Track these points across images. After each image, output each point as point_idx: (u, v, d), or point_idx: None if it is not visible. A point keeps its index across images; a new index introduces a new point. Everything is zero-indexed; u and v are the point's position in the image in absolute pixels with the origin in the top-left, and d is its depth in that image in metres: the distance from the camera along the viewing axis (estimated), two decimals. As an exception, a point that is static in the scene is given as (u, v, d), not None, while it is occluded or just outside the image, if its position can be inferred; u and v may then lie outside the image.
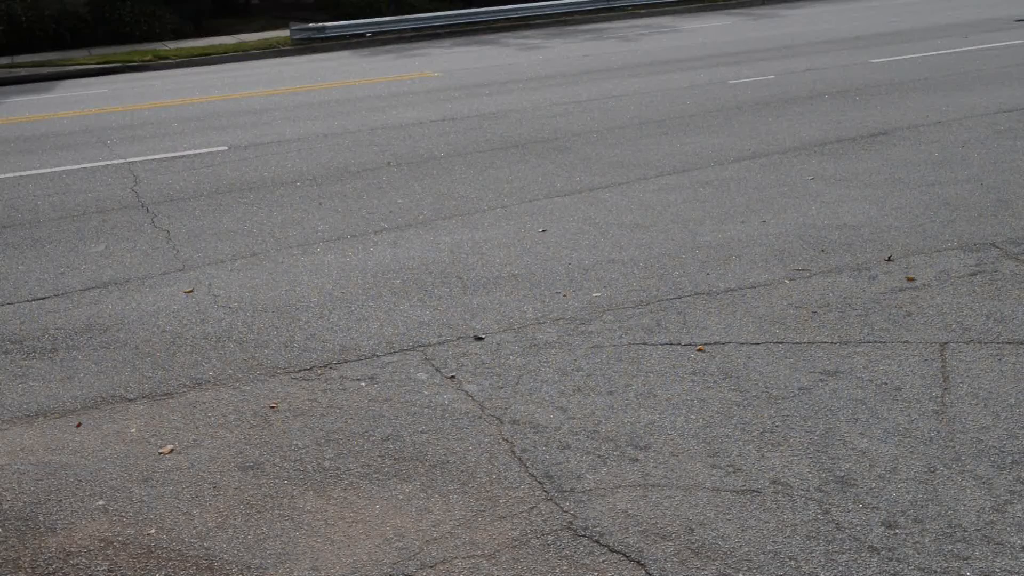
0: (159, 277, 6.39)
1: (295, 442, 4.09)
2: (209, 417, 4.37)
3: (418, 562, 3.23)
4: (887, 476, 3.55)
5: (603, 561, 3.17)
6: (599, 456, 3.81)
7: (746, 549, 3.18)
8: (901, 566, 3.05)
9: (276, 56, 22.94)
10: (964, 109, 10.09)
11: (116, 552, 3.39)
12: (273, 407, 4.42)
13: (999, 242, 5.96)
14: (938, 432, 3.83)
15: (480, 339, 5.03)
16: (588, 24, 25.63)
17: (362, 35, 24.68)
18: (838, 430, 3.89)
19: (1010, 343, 4.55)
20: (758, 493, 3.49)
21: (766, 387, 4.29)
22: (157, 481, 3.84)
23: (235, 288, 6.06)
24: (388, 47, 23.52)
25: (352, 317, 5.45)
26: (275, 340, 5.19)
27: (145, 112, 14.14)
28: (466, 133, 10.76)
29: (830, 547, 3.17)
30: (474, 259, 6.33)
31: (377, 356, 4.90)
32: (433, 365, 4.75)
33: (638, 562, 3.15)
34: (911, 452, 3.70)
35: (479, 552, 3.26)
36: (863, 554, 3.12)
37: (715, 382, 4.37)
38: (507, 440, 3.98)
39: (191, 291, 6.05)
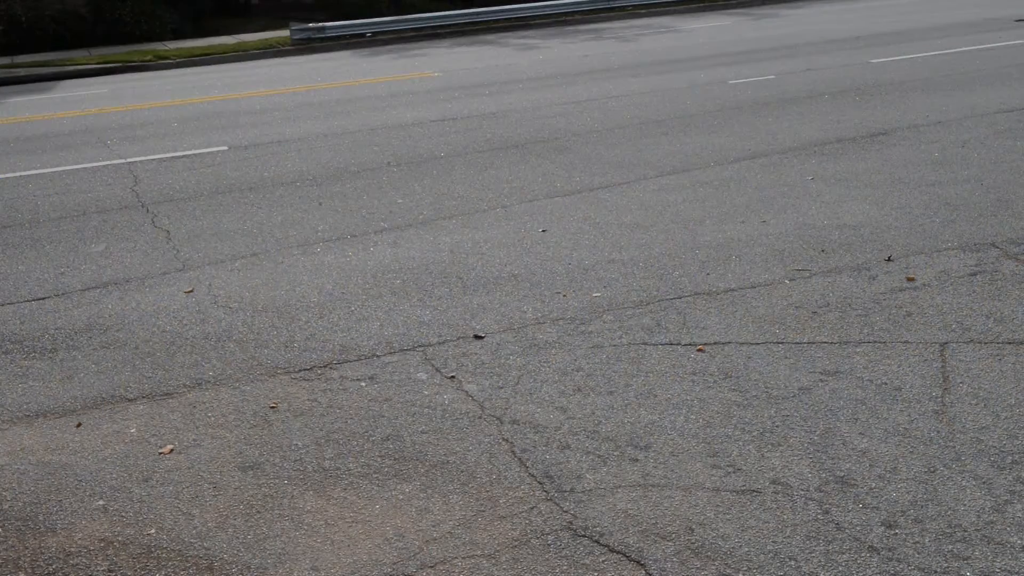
0: (159, 277, 6.39)
1: (295, 442, 4.09)
2: (209, 417, 4.37)
3: (418, 562, 3.23)
4: (887, 476, 3.55)
5: (603, 561, 3.17)
6: (599, 456, 3.81)
7: (746, 549, 3.18)
8: (901, 566, 3.05)
9: (276, 56, 22.94)
10: (964, 109, 10.09)
11: (116, 552, 3.39)
12: (273, 407, 4.42)
13: (999, 242, 5.96)
14: (938, 432, 3.83)
15: (480, 339, 5.03)
16: (588, 24, 25.63)
17: (362, 35, 24.68)
18: (838, 430, 3.89)
19: (1010, 343, 4.55)
20: (758, 493, 3.49)
21: (766, 387, 4.29)
22: (157, 481, 3.84)
23: (235, 288, 6.06)
24: (388, 47, 23.52)
25: (352, 317, 5.45)
26: (275, 340, 5.19)
27: (145, 112, 14.14)
28: (466, 133, 10.76)
29: (830, 547, 3.17)
30: (474, 259, 6.33)
31: (377, 356, 4.90)
32: (433, 365, 4.75)
33: (638, 562, 3.15)
34: (911, 452, 3.70)
35: (479, 552, 3.26)
36: (863, 554, 3.12)
37: (715, 382, 4.37)
38: (507, 440, 3.98)
39: (191, 291, 6.05)
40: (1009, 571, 3.01)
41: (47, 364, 5.07)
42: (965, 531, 3.21)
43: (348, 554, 3.30)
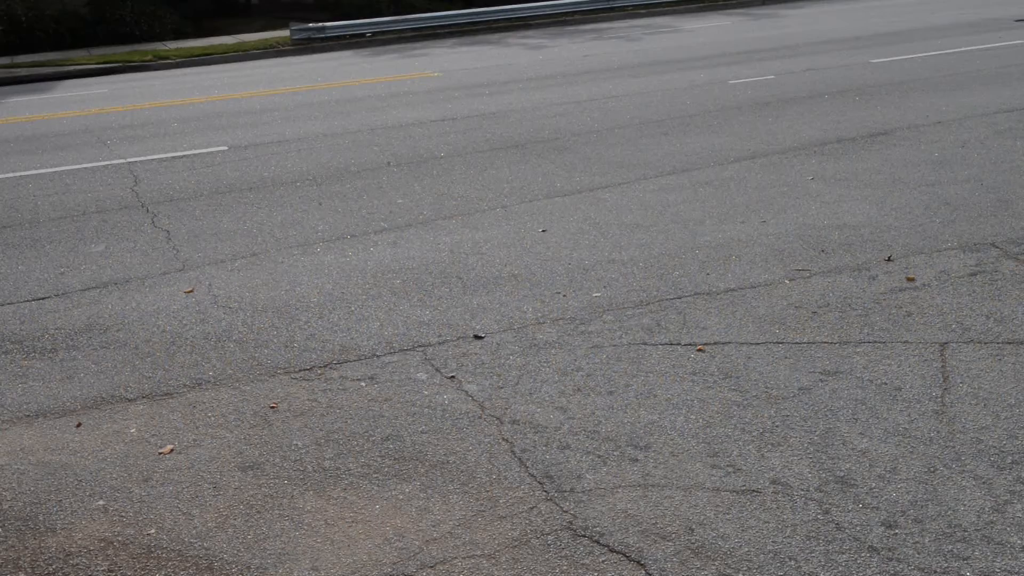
0: (159, 277, 6.39)
1: (295, 442, 4.09)
2: (209, 417, 4.37)
3: (418, 562, 3.23)
4: (887, 476, 3.55)
5: (603, 561, 3.17)
6: (599, 456, 3.81)
7: (746, 549, 3.18)
8: (901, 566, 3.05)
9: (276, 56, 22.94)
10: (964, 109, 10.09)
11: (116, 552, 3.39)
12: (273, 407, 4.42)
13: (999, 242, 5.97)
14: (938, 432, 3.83)
15: (480, 339, 5.03)
16: (588, 24, 25.64)
17: (362, 35, 24.69)
18: (838, 430, 3.89)
19: (1010, 343, 4.55)
20: (758, 493, 3.49)
21: (766, 387, 4.29)
22: (157, 481, 3.84)
23: (235, 288, 6.06)
24: (388, 47, 23.53)
25: (352, 317, 5.45)
26: (275, 340, 5.19)
27: (145, 112, 14.14)
28: (466, 133, 10.76)
29: (830, 547, 3.17)
30: (474, 259, 6.33)
31: (377, 356, 4.90)
32: (433, 365, 4.75)
33: (638, 562, 3.15)
34: (911, 452, 3.70)
35: (479, 552, 3.26)
36: (863, 554, 3.12)
37: (715, 382, 4.37)
38: (507, 440, 3.98)
39: (191, 291, 6.05)
40: (1009, 571, 3.01)
41: (47, 364, 5.07)
42: (965, 531, 3.21)
43: (348, 554, 3.30)
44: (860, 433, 3.86)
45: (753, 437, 3.88)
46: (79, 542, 3.46)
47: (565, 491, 3.58)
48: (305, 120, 12.41)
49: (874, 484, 3.50)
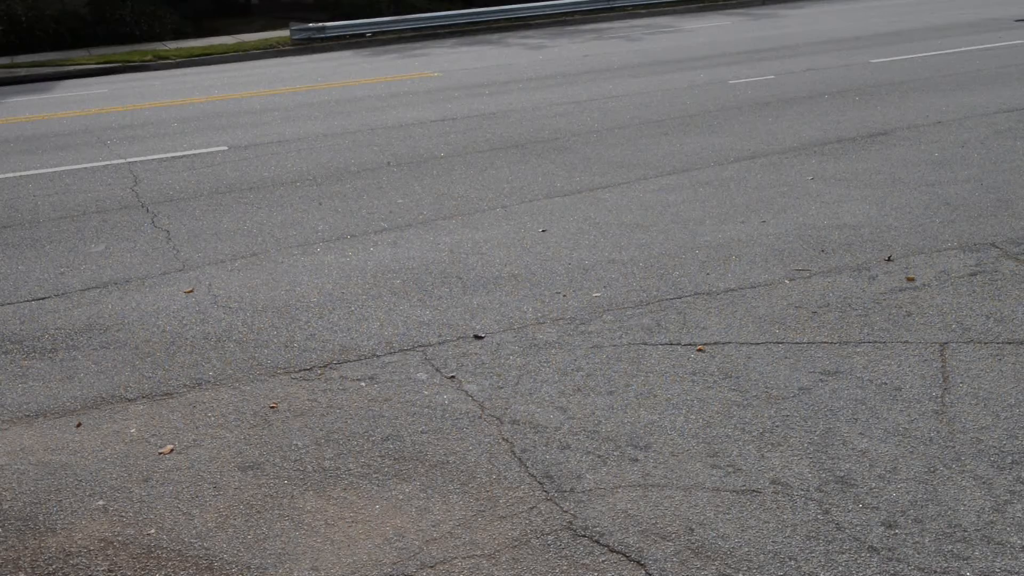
0: (159, 277, 6.39)
1: (295, 442, 4.09)
2: (209, 417, 4.37)
3: (418, 562, 3.23)
4: (887, 476, 3.55)
5: (603, 561, 3.17)
6: (599, 456, 3.81)
7: (746, 549, 3.18)
8: (901, 566, 3.05)
9: (276, 56, 22.95)
10: (964, 109, 10.09)
11: (116, 552, 3.39)
12: (273, 407, 4.42)
13: (999, 242, 5.97)
14: (938, 432, 3.83)
15: (480, 339, 5.03)
16: (588, 24, 25.64)
17: (362, 35, 24.70)
18: (838, 430, 3.89)
19: (1010, 343, 4.55)
20: (758, 493, 3.49)
21: (766, 387, 4.29)
22: (157, 481, 3.84)
23: (235, 288, 6.06)
24: (388, 47, 23.53)
25: (352, 317, 5.45)
26: (275, 340, 5.18)
27: (145, 112, 14.15)
28: (466, 133, 10.76)
29: (830, 547, 3.17)
30: (474, 259, 6.33)
31: (377, 356, 4.90)
32: (433, 365, 4.75)
33: (638, 562, 3.15)
34: (911, 452, 3.70)
35: (479, 552, 3.26)
36: (863, 554, 3.12)
37: (715, 382, 4.37)
38: (507, 440, 3.98)
39: (191, 291, 6.05)
40: (1009, 571, 3.01)
41: (47, 364, 5.07)
42: (965, 531, 3.21)
43: (348, 554, 3.31)
44: (860, 433, 3.86)
45: (753, 437, 3.88)
46: (79, 542, 3.46)
47: (565, 491, 3.58)
48: (305, 120, 12.41)
49: (874, 484, 3.50)
